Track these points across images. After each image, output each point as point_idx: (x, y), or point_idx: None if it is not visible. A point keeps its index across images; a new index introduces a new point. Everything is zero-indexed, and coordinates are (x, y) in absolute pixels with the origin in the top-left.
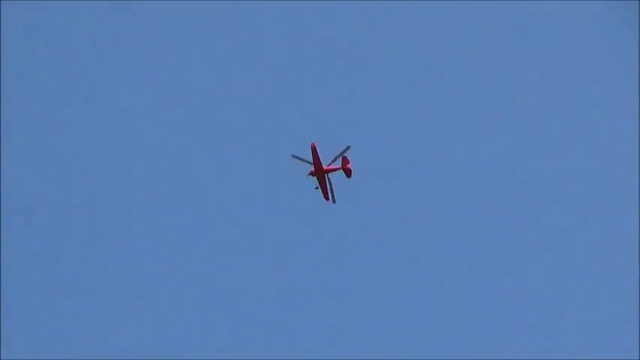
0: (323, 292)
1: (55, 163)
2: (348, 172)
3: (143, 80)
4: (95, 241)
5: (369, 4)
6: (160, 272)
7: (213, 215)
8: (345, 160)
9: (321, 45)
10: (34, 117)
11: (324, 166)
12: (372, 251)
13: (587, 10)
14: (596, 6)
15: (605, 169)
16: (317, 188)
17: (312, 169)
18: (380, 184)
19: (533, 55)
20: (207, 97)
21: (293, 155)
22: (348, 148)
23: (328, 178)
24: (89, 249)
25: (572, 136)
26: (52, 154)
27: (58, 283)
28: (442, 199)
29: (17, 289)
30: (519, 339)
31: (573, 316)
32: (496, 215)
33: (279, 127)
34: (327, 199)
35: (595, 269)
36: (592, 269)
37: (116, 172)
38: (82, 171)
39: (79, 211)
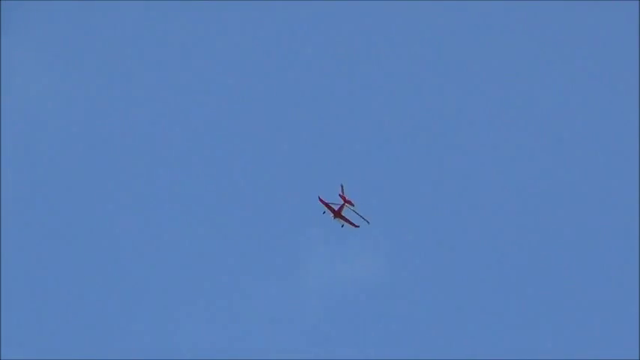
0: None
1: (55, 163)
2: (349, 203)
3: (143, 80)
4: (95, 241)
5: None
6: (160, 273)
7: (216, 219)
8: (342, 198)
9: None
10: (34, 116)
11: (337, 209)
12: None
13: (587, 10)
14: (596, 6)
15: (605, 168)
16: (343, 226)
17: (334, 212)
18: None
19: (533, 55)
20: (207, 99)
21: (323, 212)
22: (341, 186)
23: (351, 209)
24: (89, 249)
25: (571, 135)
26: (52, 154)
27: (58, 283)
28: (443, 197)
29: (17, 289)
30: (520, 339)
31: (573, 316)
32: (496, 214)
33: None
34: (357, 226)
35: (595, 269)
36: (592, 269)
37: (116, 172)
38: (81, 171)
39: (79, 211)
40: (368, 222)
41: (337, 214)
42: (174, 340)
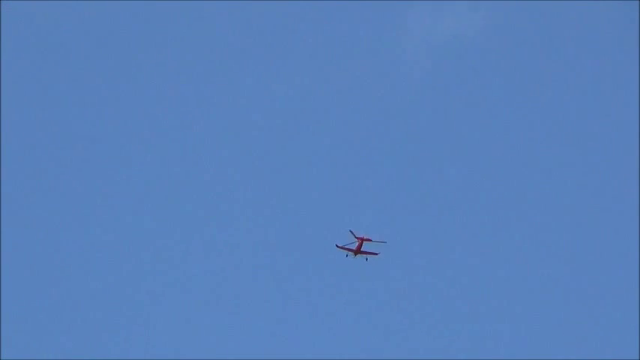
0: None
1: (54, 163)
2: (367, 240)
3: (142, 80)
4: (94, 242)
5: None
6: (160, 274)
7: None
8: (359, 239)
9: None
10: (34, 116)
11: (356, 249)
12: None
13: (587, 10)
14: (596, 6)
15: (605, 168)
16: (367, 260)
17: (354, 252)
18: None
19: (534, 54)
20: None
21: (348, 256)
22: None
23: (368, 246)
24: (88, 250)
25: (572, 134)
26: (52, 154)
27: (58, 283)
28: (444, 197)
29: (17, 289)
30: (520, 339)
31: (574, 316)
32: (496, 216)
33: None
34: (377, 253)
35: (595, 270)
36: (592, 270)
37: (115, 173)
38: (81, 171)
39: (79, 212)
40: (384, 242)
41: (358, 252)
42: (171, 341)
